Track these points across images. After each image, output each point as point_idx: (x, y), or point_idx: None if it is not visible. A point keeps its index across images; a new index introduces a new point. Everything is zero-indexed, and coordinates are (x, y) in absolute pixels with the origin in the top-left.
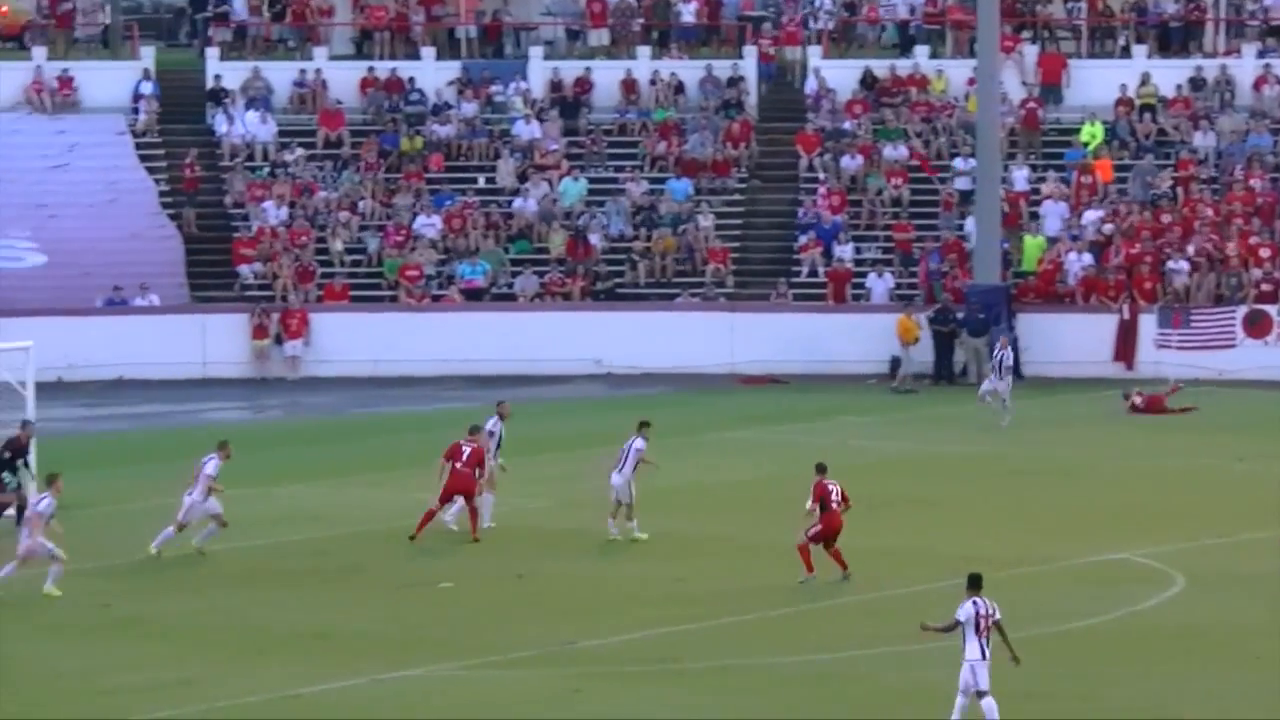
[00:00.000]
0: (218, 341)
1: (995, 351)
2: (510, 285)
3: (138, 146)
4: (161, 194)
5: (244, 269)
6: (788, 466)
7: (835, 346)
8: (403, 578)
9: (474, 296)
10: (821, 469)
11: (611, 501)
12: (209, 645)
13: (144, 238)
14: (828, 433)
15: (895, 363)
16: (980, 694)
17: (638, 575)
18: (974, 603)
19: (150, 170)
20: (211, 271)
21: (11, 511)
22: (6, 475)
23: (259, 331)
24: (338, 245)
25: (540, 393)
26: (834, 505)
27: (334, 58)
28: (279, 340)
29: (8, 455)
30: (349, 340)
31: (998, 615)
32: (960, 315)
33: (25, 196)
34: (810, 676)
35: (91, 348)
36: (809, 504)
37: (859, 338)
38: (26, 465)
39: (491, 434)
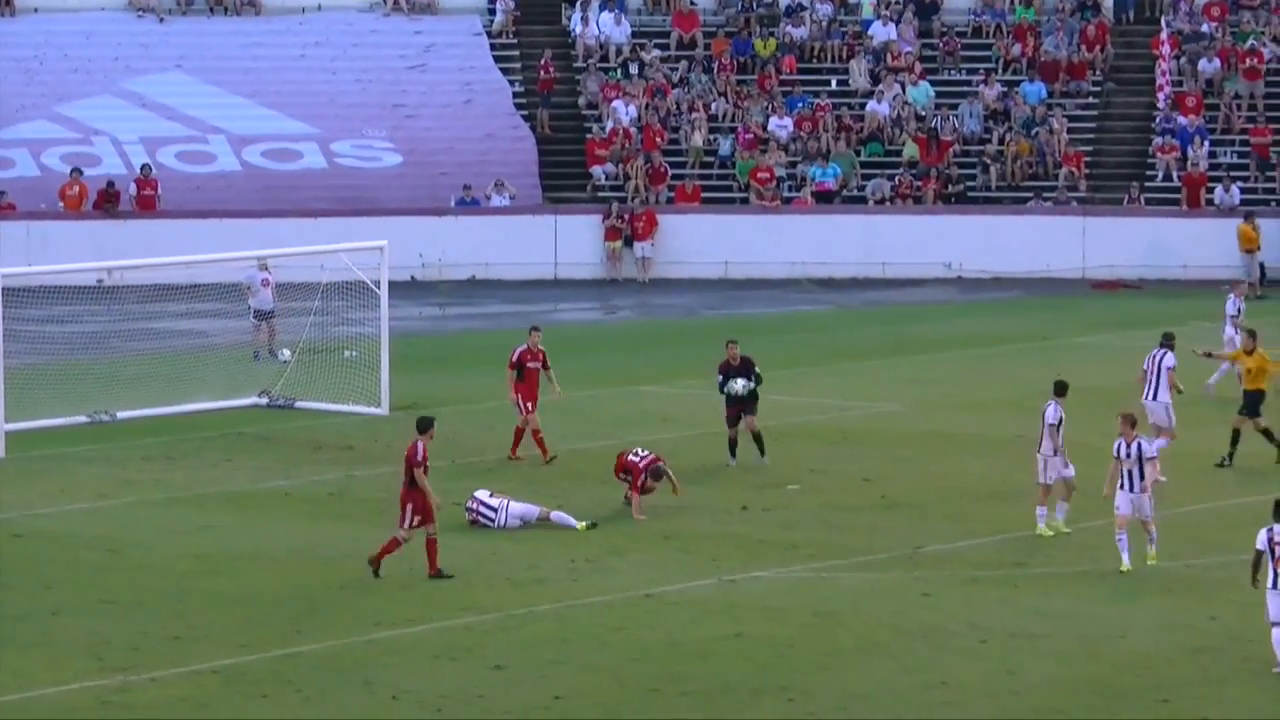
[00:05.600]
0: (570, 242)
1: None
2: (861, 188)
3: (493, 47)
4: (516, 95)
5: (597, 170)
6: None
7: (1188, 251)
8: (751, 480)
9: (825, 199)
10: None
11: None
12: (560, 545)
13: (499, 138)
14: (1181, 338)
15: (1262, 269)
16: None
17: (988, 478)
18: (1270, 530)
19: (505, 71)
20: (565, 172)
21: None
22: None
23: (611, 233)
24: (696, 140)
25: (891, 296)
26: None
27: None
28: (630, 242)
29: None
30: (700, 242)
31: None
32: None
33: (383, 96)
34: (1165, 582)
35: (445, 247)
36: None
37: (1212, 243)
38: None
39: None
